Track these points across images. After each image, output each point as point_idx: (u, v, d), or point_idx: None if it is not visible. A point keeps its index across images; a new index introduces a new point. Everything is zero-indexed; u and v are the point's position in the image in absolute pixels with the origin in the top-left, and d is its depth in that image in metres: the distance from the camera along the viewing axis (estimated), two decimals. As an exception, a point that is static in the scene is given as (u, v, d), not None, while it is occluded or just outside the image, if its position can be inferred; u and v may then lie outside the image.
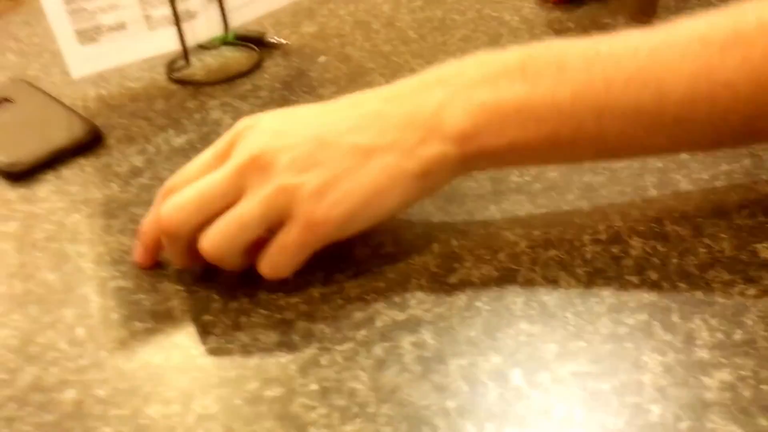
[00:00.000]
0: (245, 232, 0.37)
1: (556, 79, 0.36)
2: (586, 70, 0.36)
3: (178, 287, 0.40)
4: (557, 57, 0.37)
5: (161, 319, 0.38)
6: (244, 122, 0.39)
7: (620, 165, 0.45)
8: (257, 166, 0.36)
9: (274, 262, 0.37)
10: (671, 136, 0.37)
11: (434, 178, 0.38)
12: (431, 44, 0.62)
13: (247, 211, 0.36)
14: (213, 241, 0.37)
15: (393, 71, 0.58)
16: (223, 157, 0.38)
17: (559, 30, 0.61)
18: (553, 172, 0.45)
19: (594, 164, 0.45)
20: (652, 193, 0.43)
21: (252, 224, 0.36)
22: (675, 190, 0.43)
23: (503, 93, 0.36)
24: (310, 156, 0.36)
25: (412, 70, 0.57)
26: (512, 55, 0.38)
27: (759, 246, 0.39)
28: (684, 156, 0.45)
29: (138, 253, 0.41)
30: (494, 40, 0.61)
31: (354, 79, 0.58)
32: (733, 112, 0.36)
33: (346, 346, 0.36)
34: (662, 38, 0.36)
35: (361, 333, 0.36)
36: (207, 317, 0.38)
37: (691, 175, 0.44)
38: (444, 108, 0.37)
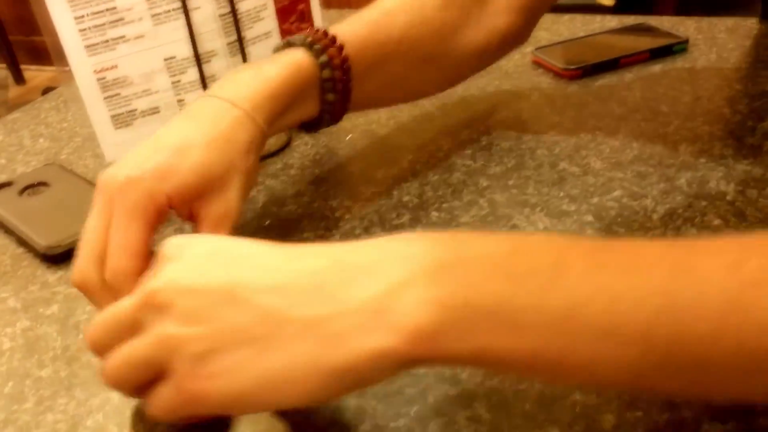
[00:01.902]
0: (131, 371, 0.33)
1: (549, 284, 0.28)
2: (588, 279, 0.28)
3: (225, 366, 0.40)
4: (555, 257, 0.29)
5: (210, 400, 0.38)
6: (172, 245, 0.34)
7: (655, 232, 0.46)
8: (154, 304, 0.31)
9: (155, 409, 0.33)
10: (688, 378, 0.28)
11: (364, 376, 0.29)
12: (455, 120, 0.63)
13: (133, 352, 0.32)
14: (107, 371, 0.34)
15: (420, 146, 0.59)
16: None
17: (578, 103, 0.63)
18: (590, 242, 0.46)
19: (629, 230, 0.46)
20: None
21: (136, 366, 0.32)
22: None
23: (477, 288, 0.28)
24: (210, 306, 0.30)
25: (439, 146, 0.59)
26: (497, 242, 0.31)
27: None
28: (716, 222, 0.46)
29: None
30: (517, 115, 0.63)
31: (382, 155, 0.59)
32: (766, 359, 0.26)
33: (401, 422, 0.35)
34: (683, 258, 0.28)
35: (414, 409, 0.36)
36: (256, 396, 0.38)
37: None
38: (397, 292, 0.29)
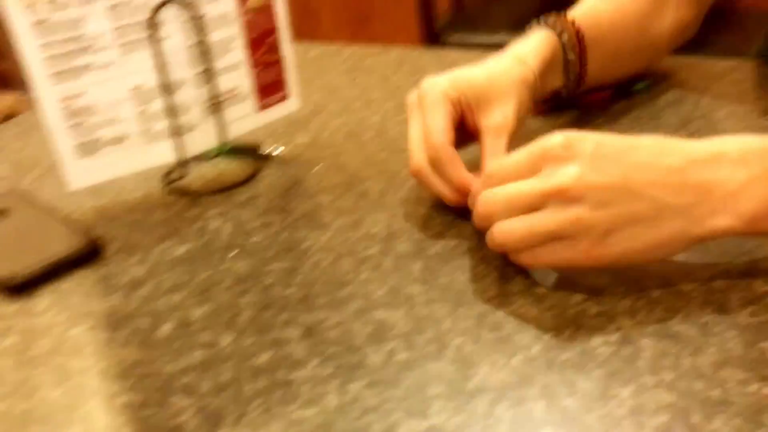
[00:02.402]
0: (532, 239, 0.43)
1: None
2: None
3: (189, 401, 0.39)
4: None
5: (173, 436, 0.37)
6: (563, 140, 0.43)
7: (623, 267, 0.46)
8: (567, 197, 0.42)
9: (540, 260, 0.44)
10: None
11: (709, 241, 0.43)
12: (423, 153, 0.64)
13: (544, 224, 0.42)
14: (504, 233, 0.44)
15: (388, 178, 0.60)
16: (536, 164, 0.44)
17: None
18: (557, 275, 0.46)
19: (596, 267, 0.47)
20: (656, 293, 0.44)
21: (541, 236, 0.43)
22: (677, 290, 0.44)
23: None
24: (613, 198, 0.42)
25: (407, 177, 0.59)
26: None
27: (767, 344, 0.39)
28: (681, 255, 0.47)
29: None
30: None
31: (350, 187, 0.59)
32: None
33: (369, 458, 0.35)
34: None
35: (383, 444, 0.35)
36: (221, 432, 0.37)
37: (690, 274, 0.45)
38: (745, 189, 0.41)
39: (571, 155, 0.42)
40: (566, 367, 0.39)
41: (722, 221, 0.41)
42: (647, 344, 0.40)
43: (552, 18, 0.61)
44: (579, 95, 0.70)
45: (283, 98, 0.66)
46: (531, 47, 0.59)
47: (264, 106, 0.65)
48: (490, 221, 0.45)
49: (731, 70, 0.74)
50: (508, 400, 0.37)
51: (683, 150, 0.43)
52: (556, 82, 0.62)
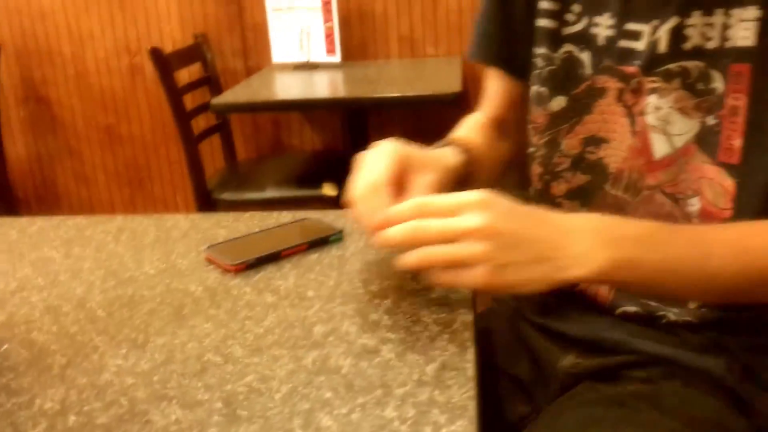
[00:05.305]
0: (450, 260, 0.59)
1: (662, 250, 0.62)
2: (687, 247, 0.63)
3: None
4: (666, 237, 0.63)
5: None
6: (481, 198, 0.60)
7: (273, 411, 0.50)
8: (481, 235, 0.58)
9: (453, 281, 0.60)
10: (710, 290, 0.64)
11: (570, 283, 0.61)
12: (117, 320, 0.66)
13: (460, 251, 0.58)
14: (430, 257, 0.60)
15: (76, 351, 0.61)
16: (458, 209, 0.60)
17: (237, 295, 0.69)
18: (174, 427, 0.49)
19: (251, 413, 0.50)
20: (298, 433, 0.48)
21: (455, 262, 0.59)
22: (318, 427, 0.49)
23: (629, 252, 0.61)
24: (507, 244, 0.59)
25: (95, 347, 0.61)
26: (637, 228, 0.63)
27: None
28: (328, 395, 0.52)
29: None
30: (178, 311, 0.67)
31: (34, 363, 0.59)
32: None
33: None
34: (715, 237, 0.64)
35: None
36: None
37: (332, 411, 0.50)
38: (591, 251, 0.60)
39: (487, 209, 0.59)
40: None
41: (576, 272, 0.60)
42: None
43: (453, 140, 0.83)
44: (278, 251, 0.76)
45: (-28, 279, 0.66)
46: (455, 148, 0.80)
47: (-53, 290, 0.64)
48: (415, 244, 0.60)
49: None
50: None
51: (552, 224, 0.62)
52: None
